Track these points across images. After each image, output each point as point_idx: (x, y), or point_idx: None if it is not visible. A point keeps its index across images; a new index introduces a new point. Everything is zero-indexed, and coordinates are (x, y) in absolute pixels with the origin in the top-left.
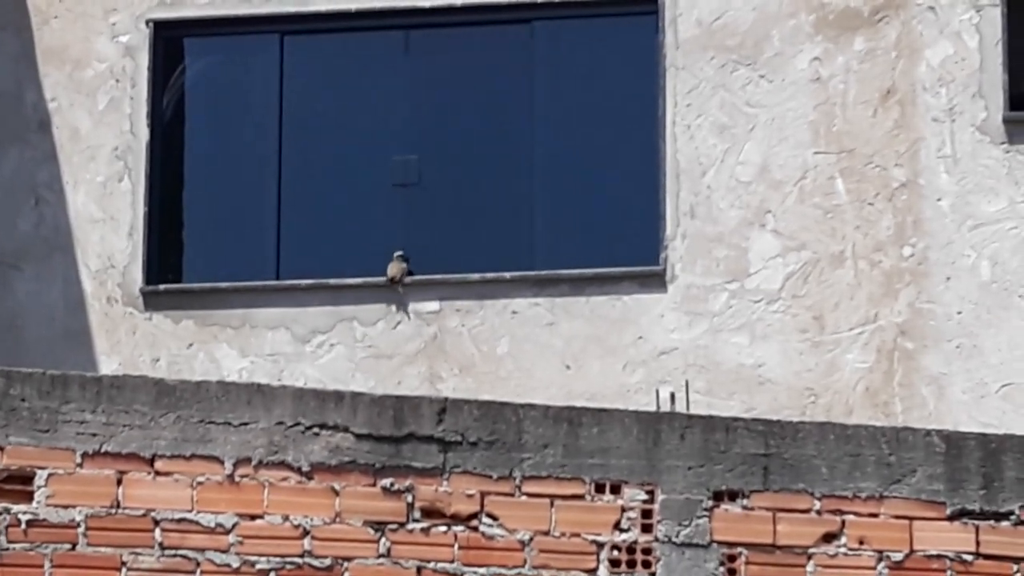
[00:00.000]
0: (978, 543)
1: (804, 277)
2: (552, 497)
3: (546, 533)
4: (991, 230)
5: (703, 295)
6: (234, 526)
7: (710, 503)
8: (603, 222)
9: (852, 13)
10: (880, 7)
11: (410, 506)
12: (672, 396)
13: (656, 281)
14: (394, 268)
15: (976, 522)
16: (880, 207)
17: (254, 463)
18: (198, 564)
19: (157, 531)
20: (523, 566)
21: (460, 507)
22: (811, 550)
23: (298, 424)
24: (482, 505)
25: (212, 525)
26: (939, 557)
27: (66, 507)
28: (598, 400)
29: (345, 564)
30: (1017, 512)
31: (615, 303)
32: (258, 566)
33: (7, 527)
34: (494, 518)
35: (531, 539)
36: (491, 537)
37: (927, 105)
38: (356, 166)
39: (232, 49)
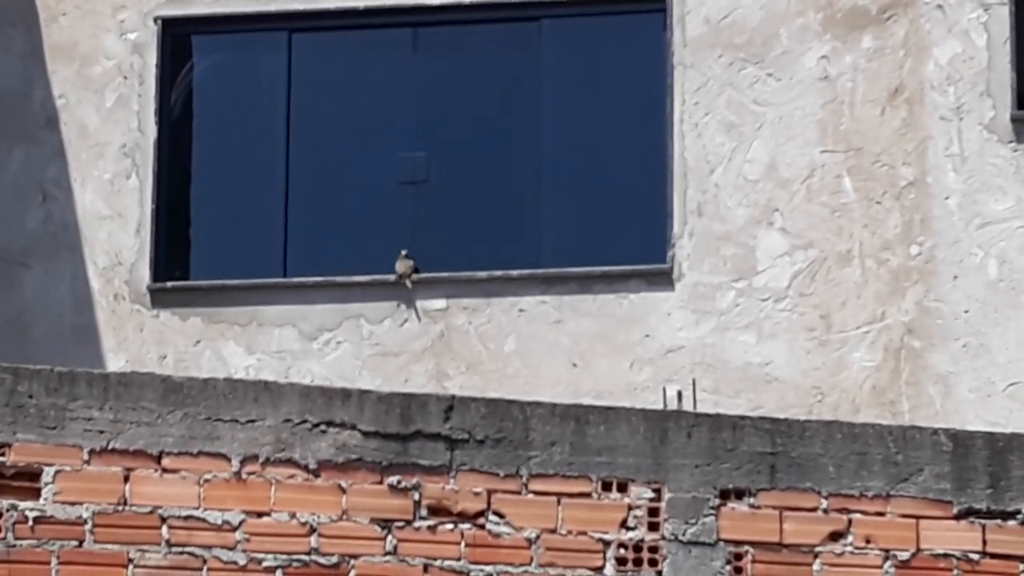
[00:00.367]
0: (985, 542)
1: (811, 275)
2: (559, 495)
3: (553, 531)
4: (999, 229)
5: (710, 293)
6: (241, 523)
7: (717, 501)
8: (610, 220)
9: (860, 11)
10: (888, 6)
11: (417, 504)
12: (679, 394)
13: (663, 279)
14: (402, 265)
15: (983, 521)
16: (888, 206)
17: (261, 460)
18: (205, 561)
19: (164, 528)
20: (530, 564)
21: (467, 505)
22: (818, 549)
23: (305, 421)
24: (489, 503)
25: (219, 522)
26: (946, 556)
27: (73, 504)
28: (605, 398)
29: (352, 562)
30: None
31: (622, 301)
32: (265, 563)
33: (14, 524)
34: (501, 516)
35: (538, 537)
36: (498, 535)
37: (935, 104)
38: (363, 163)
39: (240, 46)
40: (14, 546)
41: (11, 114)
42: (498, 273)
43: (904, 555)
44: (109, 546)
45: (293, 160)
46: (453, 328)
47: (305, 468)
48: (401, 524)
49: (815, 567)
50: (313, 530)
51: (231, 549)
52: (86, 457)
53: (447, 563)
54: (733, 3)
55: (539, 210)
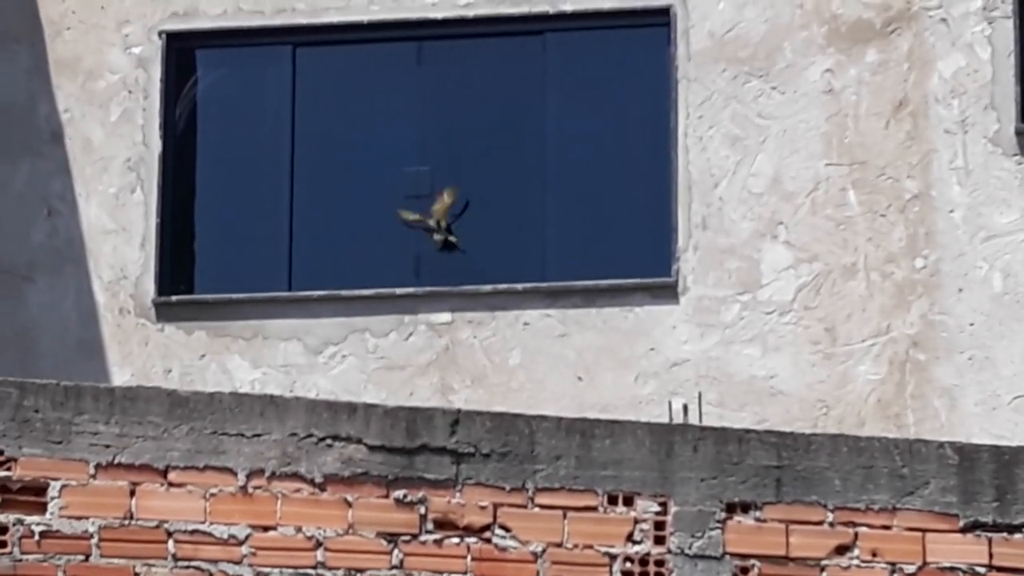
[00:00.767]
0: (991, 555)
1: (816, 289)
2: (565, 509)
3: (559, 545)
4: (1003, 242)
5: (715, 307)
6: (247, 537)
7: (723, 515)
8: (615, 233)
9: (864, 25)
10: (892, 19)
11: (423, 517)
12: (685, 408)
13: (668, 293)
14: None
15: (989, 534)
16: (892, 219)
17: (267, 474)
18: (211, 575)
19: (170, 542)
20: None
21: (473, 518)
22: (824, 562)
23: (311, 435)
24: (495, 517)
25: (225, 536)
26: (952, 569)
27: (79, 518)
28: (610, 412)
29: (358, 575)
30: None
31: (627, 315)
32: None
33: (21, 538)
34: (507, 530)
35: (544, 551)
36: (504, 549)
37: (939, 117)
38: (368, 177)
39: (244, 61)
40: (20, 560)
41: (16, 129)
42: (503, 287)
43: (910, 568)
44: (115, 560)
45: (298, 174)
46: (458, 342)
47: (311, 482)
48: (407, 538)
49: None
50: (319, 544)
51: (237, 563)
52: (92, 471)
53: None
54: (737, 17)
55: (544, 224)
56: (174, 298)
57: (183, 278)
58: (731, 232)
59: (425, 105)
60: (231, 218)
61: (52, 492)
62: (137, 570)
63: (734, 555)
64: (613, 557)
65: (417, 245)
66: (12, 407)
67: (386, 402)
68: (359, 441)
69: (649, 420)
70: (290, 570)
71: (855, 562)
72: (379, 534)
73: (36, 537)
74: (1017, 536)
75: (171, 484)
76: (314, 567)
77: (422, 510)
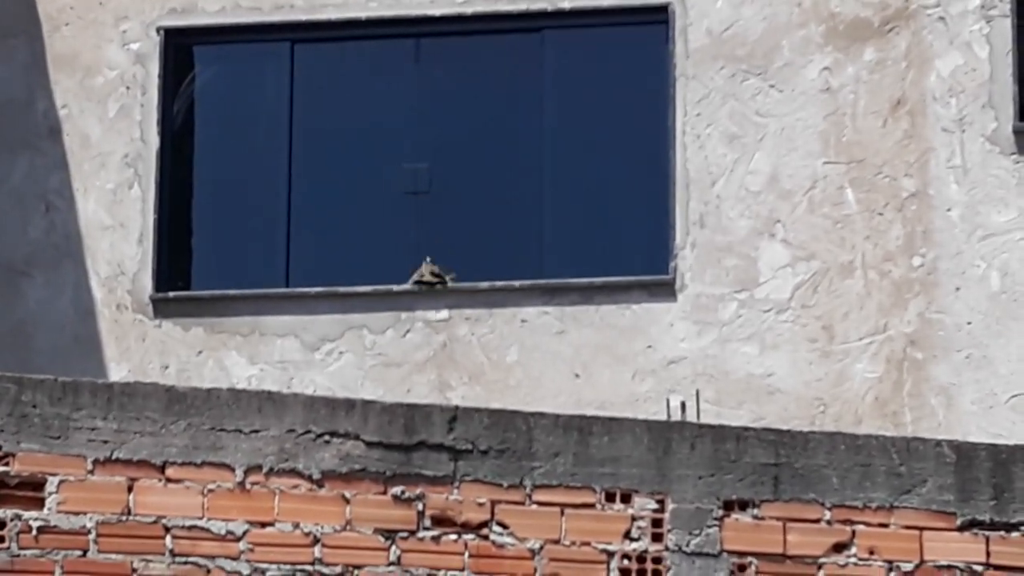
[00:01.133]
0: (988, 554)
1: (813, 287)
2: (562, 506)
3: (556, 542)
4: (1001, 240)
5: (712, 304)
6: (245, 533)
7: (720, 512)
8: (612, 231)
9: (862, 23)
10: (890, 18)
11: (420, 514)
12: (682, 405)
13: (665, 290)
14: (426, 269)
15: (986, 533)
16: (890, 217)
17: (265, 471)
18: (208, 571)
19: (168, 538)
20: (533, 574)
21: (470, 515)
22: (821, 560)
23: (309, 432)
24: (492, 513)
25: (223, 532)
26: (949, 568)
27: (77, 514)
28: (607, 409)
29: (355, 572)
30: None
31: (624, 312)
32: (268, 573)
33: (18, 533)
34: (504, 526)
35: (541, 548)
36: (501, 546)
37: (937, 115)
38: (366, 174)
39: (242, 57)
40: (18, 556)
41: (14, 124)
42: (500, 284)
43: (907, 567)
44: (113, 556)
45: (295, 170)
46: (455, 339)
47: (309, 478)
48: (405, 534)
49: None
50: (317, 540)
51: (235, 559)
52: (90, 467)
53: (451, 573)
54: (735, 15)
55: (541, 221)
56: (171, 294)
57: (180, 274)
58: (729, 230)
59: (423, 102)
60: (229, 214)
61: (50, 487)
62: (135, 566)
63: (731, 553)
64: (611, 554)
65: (415, 241)
66: (10, 402)
67: (383, 399)
68: (357, 437)
69: (647, 417)
70: (288, 566)
71: (852, 560)
72: (377, 530)
73: (34, 532)
74: (1014, 535)
75: (169, 480)
76: (312, 563)
77: (420, 507)
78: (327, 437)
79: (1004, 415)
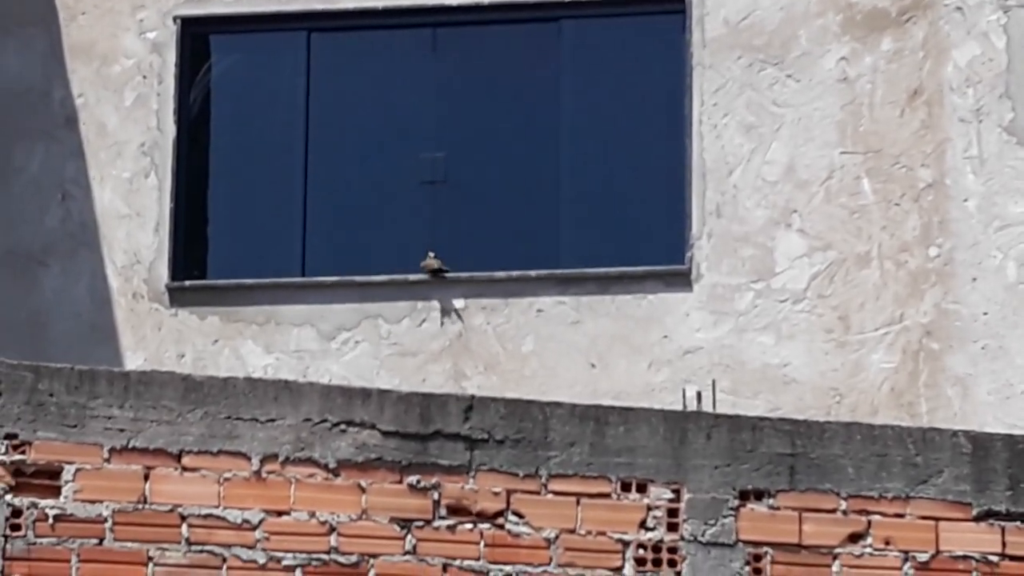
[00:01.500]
0: (1004, 544)
1: (830, 277)
2: (578, 495)
3: (572, 531)
4: (1017, 231)
5: (729, 294)
6: (260, 522)
7: (736, 502)
8: (629, 221)
9: (879, 13)
10: (907, 7)
11: (436, 503)
12: (698, 395)
13: (682, 280)
14: (432, 262)
15: (1002, 523)
16: (906, 207)
17: (281, 459)
18: (224, 560)
19: (184, 527)
20: (549, 564)
21: (486, 505)
22: (837, 550)
23: (325, 421)
24: (508, 503)
25: (239, 521)
26: (965, 558)
27: (93, 502)
28: (623, 399)
29: (371, 561)
30: None
31: (640, 302)
32: (284, 562)
33: (35, 522)
34: (520, 516)
35: (557, 537)
36: (517, 535)
37: (954, 106)
38: (383, 163)
39: (259, 46)
40: (34, 544)
41: (31, 113)
42: (516, 273)
43: (923, 557)
44: (129, 544)
45: (312, 160)
46: (471, 328)
47: (325, 467)
48: (420, 524)
49: (834, 568)
50: (333, 529)
51: (251, 548)
52: (106, 455)
53: (466, 563)
54: (752, 5)
55: (558, 210)
56: (187, 283)
57: (196, 263)
58: (745, 220)
59: (440, 91)
60: (245, 203)
61: (66, 476)
62: (150, 554)
63: (747, 543)
64: (626, 544)
65: (431, 231)
66: (27, 391)
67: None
68: (373, 427)
69: (663, 407)
70: (303, 555)
71: (868, 550)
72: (392, 519)
73: (50, 521)
74: None
75: (185, 468)
76: (327, 552)
77: (435, 496)
78: (343, 426)
79: (1020, 405)
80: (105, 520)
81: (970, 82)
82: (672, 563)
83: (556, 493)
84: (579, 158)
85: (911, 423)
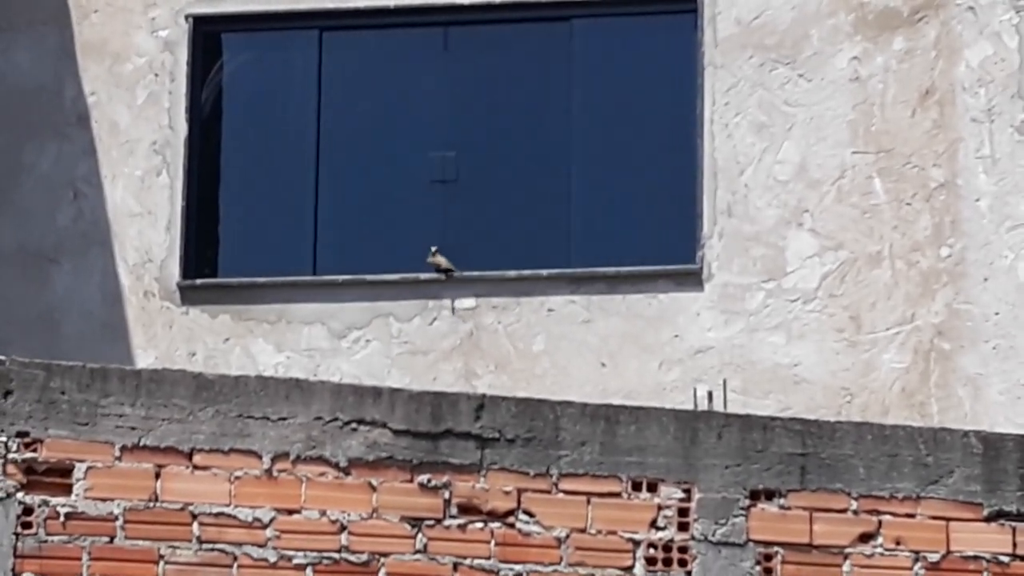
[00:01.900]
0: (1015, 544)
1: (841, 277)
2: (589, 495)
3: (583, 530)
4: None
5: (740, 294)
6: (271, 520)
7: (747, 502)
8: (640, 220)
9: (891, 13)
10: (919, 7)
11: (447, 502)
12: (709, 395)
13: (693, 279)
14: (439, 259)
15: (1013, 523)
16: (918, 207)
17: (292, 458)
18: (235, 558)
19: (195, 525)
20: (559, 563)
21: (497, 504)
22: (847, 550)
23: (336, 419)
24: (519, 502)
25: (250, 519)
26: (976, 558)
27: (104, 500)
28: (633, 398)
29: (382, 559)
30: None
31: (651, 301)
32: (295, 560)
33: (46, 519)
34: (531, 515)
35: (567, 536)
36: (528, 534)
37: (966, 105)
38: (394, 162)
39: (271, 45)
40: (46, 542)
41: (42, 111)
42: (527, 272)
43: (934, 557)
44: (140, 542)
45: (323, 158)
46: (482, 327)
47: (336, 466)
48: (431, 522)
49: (845, 568)
50: (343, 528)
51: (262, 546)
52: (117, 453)
53: (477, 562)
54: (764, 4)
55: (569, 210)
56: (199, 281)
57: (208, 261)
58: (756, 219)
59: (451, 91)
60: (256, 202)
61: (78, 474)
62: (161, 552)
63: (757, 542)
64: (637, 543)
65: (442, 230)
66: (38, 389)
67: (409, 387)
68: (384, 425)
69: (673, 407)
70: (314, 553)
71: (879, 550)
72: (403, 518)
73: (61, 519)
74: None
75: (196, 467)
76: (338, 551)
77: (446, 495)
78: (354, 425)
79: None
80: (116, 518)
81: (982, 82)
82: (682, 563)
83: (567, 492)
84: (590, 157)
85: (922, 423)
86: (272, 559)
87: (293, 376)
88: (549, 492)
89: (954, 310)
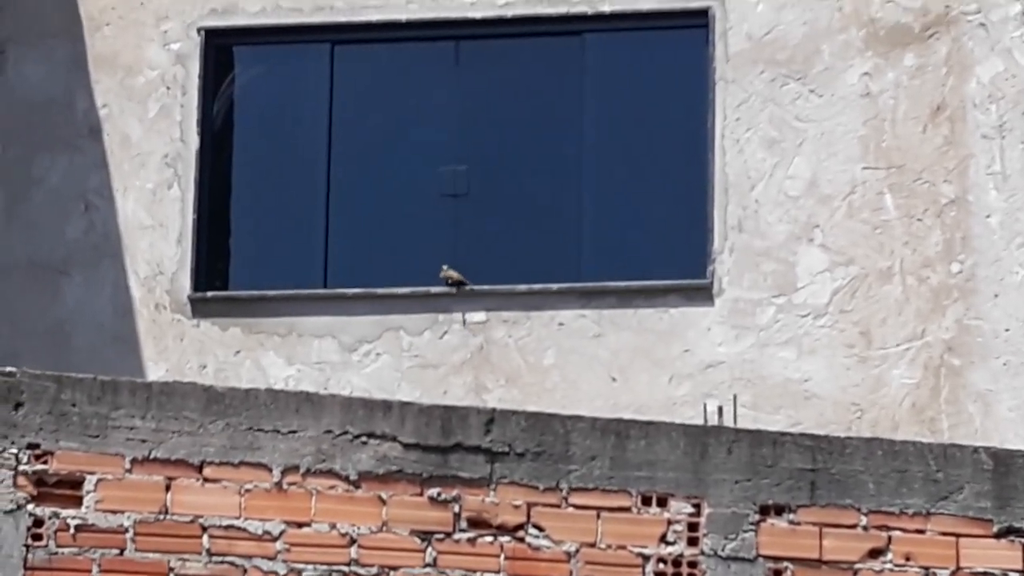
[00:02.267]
0: None
1: (852, 292)
2: (599, 509)
3: (592, 545)
4: None
5: (750, 309)
6: (281, 533)
7: (757, 517)
8: (651, 235)
9: (903, 29)
10: (931, 23)
11: (457, 516)
12: (719, 410)
13: (703, 294)
14: (451, 272)
15: (1023, 540)
16: (929, 223)
17: (302, 471)
18: (245, 571)
19: (205, 537)
20: None
21: (507, 517)
22: (857, 566)
23: (346, 433)
24: (529, 516)
25: (259, 532)
26: (985, 574)
27: (115, 512)
28: (644, 413)
29: (391, 573)
30: None
31: (662, 316)
32: (305, 574)
33: (56, 531)
34: (541, 529)
35: (577, 551)
36: (537, 548)
37: (977, 122)
38: (405, 176)
39: (282, 58)
40: (56, 554)
41: (54, 124)
42: (538, 287)
43: (944, 573)
44: (150, 555)
45: (334, 172)
46: (492, 341)
47: (346, 479)
48: (441, 536)
49: None
50: (353, 541)
51: (271, 559)
52: (128, 466)
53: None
54: (775, 19)
55: (580, 224)
56: (209, 294)
57: (219, 274)
58: (767, 235)
59: (462, 105)
60: (267, 215)
61: (88, 486)
62: (171, 565)
63: (767, 557)
64: (646, 558)
65: (453, 244)
66: (49, 401)
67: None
68: (394, 439)
69: (683, 422)
70: (324, 567)
71: (888, 566)
72: (413, 532)
73: (72, 531)
74: None
75: (206, 479)
76: (348, 564)
77: (456, 508)
78: (364, 438)
79: None
80: (126, 530)
81: (993, 98)
82: None
83: (577, 506)
84: (601, 171)
85: (932, 439)
86: (282, 572)
87: (303, 389)
88: (559, 506)
89: (964, 326)
